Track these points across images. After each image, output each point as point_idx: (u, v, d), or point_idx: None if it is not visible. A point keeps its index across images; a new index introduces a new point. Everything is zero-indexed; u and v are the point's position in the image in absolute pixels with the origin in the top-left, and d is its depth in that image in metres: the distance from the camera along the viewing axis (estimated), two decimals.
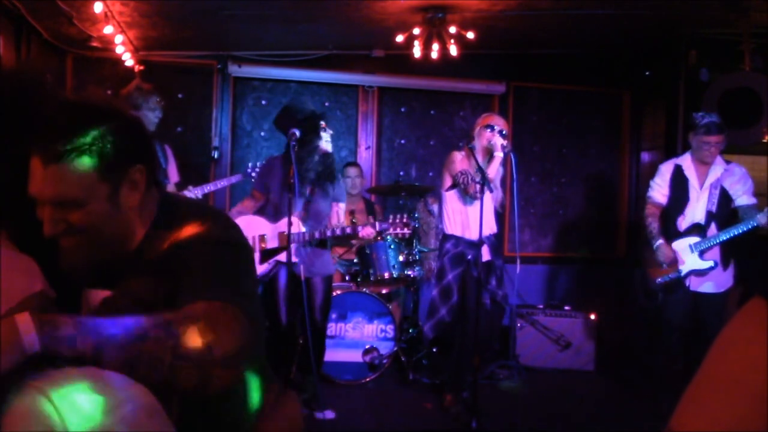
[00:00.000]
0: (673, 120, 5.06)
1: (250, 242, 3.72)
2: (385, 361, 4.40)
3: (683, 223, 3.84)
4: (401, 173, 5.63)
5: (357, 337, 4.42)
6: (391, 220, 3.62)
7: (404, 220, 3.61)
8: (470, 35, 4.32)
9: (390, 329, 4.44)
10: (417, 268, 4.62)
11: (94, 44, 4.48)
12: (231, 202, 5.35)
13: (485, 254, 3.83)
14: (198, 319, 1.08)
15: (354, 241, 4.66)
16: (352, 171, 4.99)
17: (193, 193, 4.22)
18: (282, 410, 1.26)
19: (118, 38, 4.29)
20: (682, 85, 4.87)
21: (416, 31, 4.35)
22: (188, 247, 1.22)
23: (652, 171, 4.16)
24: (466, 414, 3.65)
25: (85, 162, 1.14)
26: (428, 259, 5.04)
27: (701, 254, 3.75)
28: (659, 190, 3.97)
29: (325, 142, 3.68)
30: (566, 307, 5.07)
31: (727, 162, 3.85)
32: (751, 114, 4.09)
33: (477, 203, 3.60)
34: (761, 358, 0.66)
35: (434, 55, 4.60)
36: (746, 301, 0.71)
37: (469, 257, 3.77)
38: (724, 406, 0.67)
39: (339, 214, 3.81)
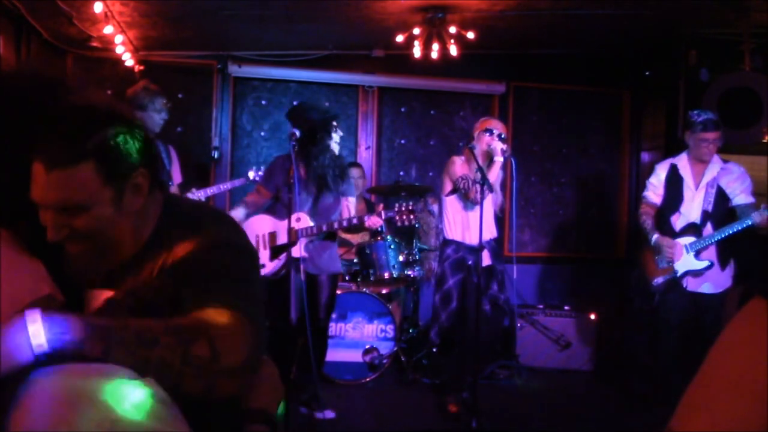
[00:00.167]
0: (673, 120, 5.05)
1: (261, 240, 3.74)
2: (385, 361, 4.40)
3: (678, 222, 3.83)
4: (401, 173, 5.63)
5: (357, 337, 4.42)
6: (396, 209, 3.61)
7: (409, 208, 3.60)
8: (470, 35, 4.32)
9: (390, 329, 4.44)
10: (417, 268, 4.62)
11: (94, 44, 4.48)
12: (231, 205, 5.35)
13: (486, 259, 3.83)
14: (208, 327, 1.09)
15: (355, 241, 4.67)
16: (355, 172, 4.97)
17: (196, 195, 4.23)
18: (262, 374, 1.26)
19: (118, 38, 4.29)
20: (682, 85, 4.87)
21: (416, 31, 4.35)
22: (195, 251, 1.22)
23: (651, 171, 4.15)
24: (466, 414, 3.65)
25: (89, 167, 1.13)
26: (428, 258, 5.04)
27: (697, 254, 3.73)
28: (654, 190, 3.96)
29: (334, 143, 3.69)
30: (566, 307, 5.08)
31: (725, 161, 3.83)
32: (751, 114, 4.09)
33: (477, 208, 3.60)
34: (762, 359, 0.66)
35: (434, 55, 4.60)
36: (746, 302, 0.71)
37: (470, 262, 3.77)
38: (725, 406, 0.67)
39: (349, 208, 3.81)
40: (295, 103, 5.37)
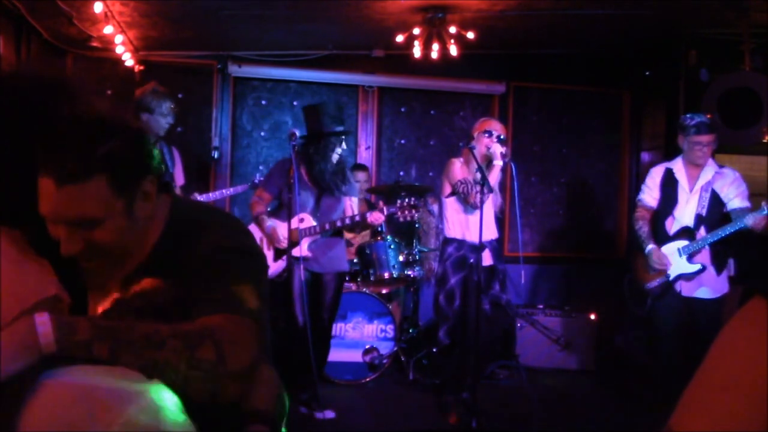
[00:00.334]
0: (673, 120, 5.04)
1: (265, 241, 3.74)
2: (385, 361, 4.40)
3: (672, 226, 3.80)
4: (401, 173, 5.63)
5: (357, 337, 4.42)
6: (398, 204, 3.60)
7: (411, 203, 3.59)
8: (470, 35, 4.32)
9: (390, 329, 4.44)
10: (417, 268, 4.62)
11: (94, 44, 4.48)
12: (231, 207, 5.36)
13: (487, 259, 3.83)
14: (215, 332, 1.09)
15: (355, 241, 4.67)
16: (360, 175, 4.95)
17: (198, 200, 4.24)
18: (261, 374, 1.26)
19: (118, 38, 4.29)
20: (682, 85, 4.87)
21: (416, 31, 4.34)
22: (202, 253, 1.22)
23: (647, 174, 4.13)
24: (466, 414, 3.65)
25: (102, 180, 1.12)
26: (428, 259, 5.04)
27: (689, 258, 3.70)
28: (649, 194, 3.94)
29: (336, 155, 3.68)
30: (566, 307, 5.08)
31: (720, 166, 3.81)
32: (751, 114, 4.08)
33: (477, 210, 3.60)
34: (761, 359, 0.66)
35: (434, 55, 4.60)
36: (746, 301, 0.71)
37: (471, 260, 3.77)
38: (724, 406, 0.67)
39: (352, 208, 3.81)
40: (295, 103, 5.38)
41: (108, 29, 4.05)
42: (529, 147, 5.74)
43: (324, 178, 3.65)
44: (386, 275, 4.40)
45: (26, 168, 1.12)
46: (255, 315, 1.17)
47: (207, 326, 1.10)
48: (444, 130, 5.68)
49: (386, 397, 4.20)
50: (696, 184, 3.77)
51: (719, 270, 3.73)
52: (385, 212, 3.60)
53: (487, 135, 3.74)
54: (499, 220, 4.21)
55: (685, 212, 3.77)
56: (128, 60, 4.70)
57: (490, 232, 3.89)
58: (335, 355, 4.25)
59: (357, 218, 3.63)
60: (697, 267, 3.69)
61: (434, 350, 4.62)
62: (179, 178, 4.27)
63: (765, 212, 3.43)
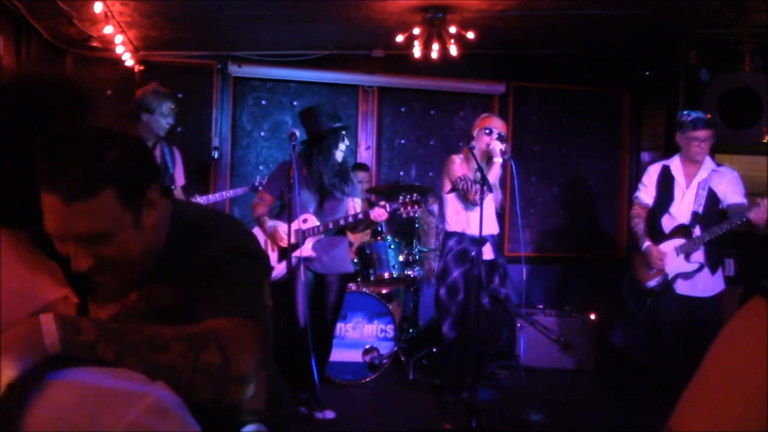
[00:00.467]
0: (673, 120, 5.03)
1: (269, 243, 3.74)
2: (385, 361, 4.40)
3: (668, 223, 3.79)
4: (401, 173, 5.63)
5: (357, 337, 4.42)
6: (401, 200, 3.60)
7: (414, 198, 3.58)
8: (470, 35, 4.32)
9: (390, 329, 4.44)
10: (417, 268, 4.62)
11: (94, 44, 4.48)
12: (231, 208, 5.36)
13: (488, 253, 3.83)
14: (219, 335, 1.10)
15: (355, 241, 4.67)
16: (362, 175, 4.96)
17: (199, 202, 4.23)
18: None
19: (118, 38, 4.29)
20: (682, 85, 4.86)
21: (416, 31, 4.35)
22: (206, 257, 1.22)
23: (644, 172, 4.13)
24: (466, 414, 3.65)
25: (109, 194, 1.11)
26: (428, 259, 5.04)
27: (687, 257, 3.70)
28: (645, 191, 3.94)
29: (339, 152, 3.69)
30: (566, 307, 5.08)
31: (718, 164, 3.80)
32: (751, 114, 4.07)
33: (477, 206, 3.60)
34: (761, 358, 0.66)
35: (434, 55, 4.60)
36: (746, 301, 0.71)
37: (473, 254, 3.75)
38: (724, 406, 0.67)
39: (355, 208, 3.81)
40: (295, 103, 5.38)
41: (108, 29, 4.05)
42: (529, 147, 5.74)
43: (327, 179, 3.64)
44: (386, 275, 4.40)
45: (30, 170, 1.11)
46: (258, 318, 1.17)
47: (212, 330, 1.11)
48: (444, 130, 5.68)
49: (386, 397, 4.20)
50: (693, 182, 3.75)
51: (713, 269, 3.71)
52: (388, 209, 3.58)
53: (486, 132, 3.73)
54: (500, 216, 4.19)
55: (682, 210, 3.76)
56: (128, 60, 4.70)
57: (491, 227, 3.89)
58: (335, 355, 4.25)
59: (360, 216, 3.62)
60: (695, 266, 3.68)
61: (434, 350, 4.63)
62: (180, 179, 4.27)
63: (764, 206, 3.40)
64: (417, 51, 4.60)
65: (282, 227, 3.67)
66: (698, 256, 3.70)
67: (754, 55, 4.20)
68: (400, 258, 4.52)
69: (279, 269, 3.70)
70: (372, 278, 4.41)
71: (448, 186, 3.87)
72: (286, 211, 3.73)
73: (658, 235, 3.81)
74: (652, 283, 3.79)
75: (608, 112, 5.88)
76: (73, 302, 1.17)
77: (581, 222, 5.86)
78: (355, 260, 4.63)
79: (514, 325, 4.95)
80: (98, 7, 3.73)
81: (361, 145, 5.54)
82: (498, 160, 3.66)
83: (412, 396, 4.21)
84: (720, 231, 3.57)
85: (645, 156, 5.71)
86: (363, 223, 3.72)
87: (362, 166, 5.15)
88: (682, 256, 3.70)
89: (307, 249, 3.66)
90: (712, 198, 3.72)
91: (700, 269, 3.68)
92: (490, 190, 3.62)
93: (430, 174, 5.60)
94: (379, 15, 4.28)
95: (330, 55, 5.28)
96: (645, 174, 4.00)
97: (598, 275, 5.62)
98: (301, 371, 3.59)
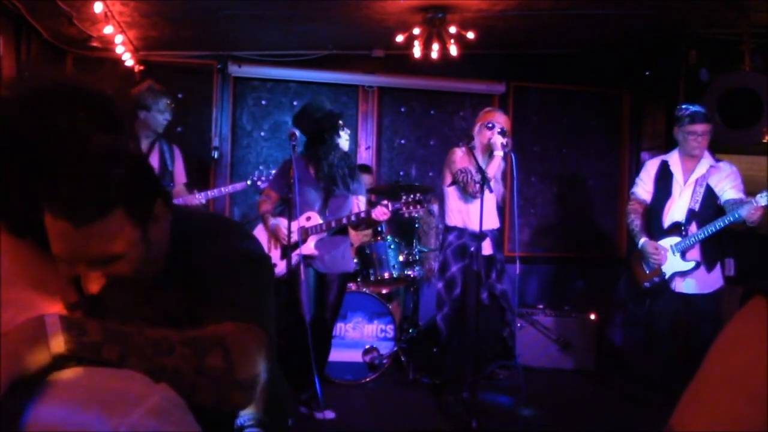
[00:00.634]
0: (673, 120, 5.05)
1: (272, 241, 3.74)
2: (385, 361, 4.40)
3: (665, 220, 3.77)
4: (401, 173, 5.63)
5: (357, 337, 4.42)
6: (403, 200, 3.59)
7: (417, 198, 3.57)
8: (470, 35, 4.32)
9: (390, 329, 4.44)
10: (417, 268, 4.62)
11: (94, 44, 4.48)
12: (231, 207, 5.36)
13: (487, 248, 3.83)
14: (224, 339, 1.09)
15: (356, 241, 4.67)
16: (366, 178, 4.95)
17: (197, 198, 4.23)
18: None
19: (118, 38, 4.29)
20: (682, 85, 4.86)
21: (416, 31, 4.35)
22: (211, 262, 1.22)
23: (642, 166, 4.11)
24: (466, 414, 3.65)
25: (119, 214, 1.10)
26: (428, 259, 5.04)
27: (683, 255, 3.67)
28: (643, 187, 3.90)
29: (344, 141, 3.70)
30: (566, 307, 5.08)
31: (717, 159, 3.75)
32: (751, 114, 4.07)
33: (478, 199, 3.60)
34: (762, 358, 0.66)
35: (434, 55, 4.60)
36: (747, 301, 0.71)
37: (472, 249, 3.76)
38: (725, 405, 0.67)
39: (359, 207, 3.81)
40: (295, 103, 5.38)
41: (108, 29, 4.05)
42: (529, 147, 5.74)
43: (332, 172, 3.64)
44: (386, 275, 4.40)
45: (32, 181, 1.10)
46: (263, 322, 1.17)
47: (216, 334, 1.10)
48: (444, 130, 5.68)
49: (386, 397, 4.20)
50: (690, 177, 3.72)
51: (710, 267, 3.68)
52: (390, 208, 3.57)
53: (489, 127, 3.74)
54: (501, 210, 4.18)
55: (678, 206, 3.73)
56: (128, 60, 4.70)
57: (492, 222, 3.89)
58: (335, 355, 4.25)
59: (362, 215, 3.62)
60: (691, 264, 3.66)
61: (434, 350, 4.63)
62: (180, 176, 4.26)
63: (758, 203, 3.38)
64: (417, 51, 4.60)
65: (284, 225, 3.67)
66: (694, 254, 3.68)
67: (754, 55, 4.20)
68: (400, 258, 4.52)
69: (280, 267, 3.70)
70: (372, 278, 4.41)
71: (449, 179, 3.87)
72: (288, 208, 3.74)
73: (655, 232, 3.79)
74: (648, 284, 3.77)
75: (608, 112, 5.88)
76: (83, 307, 1.17)
77: (581, 222, 5.86)
78: (355, 260, 4.64)
79: (513, 322, 4.95)
80: (98, 7, 3.73)
81: (361, 145, 5.54)
82: (499, 153, 3.66)
83: (412, 396, 4.21)
84: (714, 228, 3.54)
85: (645, 156, 5.71)
86: (365, 221, 3.72)
87: (365, 168, 5.15)
88: (678, 254, 3.68)
89: (309, 247, 3.66)
90: (710, 195, 3.68)
91: (696, 267, 3.66)
92: (491, 190, 3.62)
93: (430, 174, 5.60)
94: (379, 15, 4.28)
95: (330, 55, 5.28)
96: (643, 169, 3.97)
97: (598, 275, 5.62)
98: (301, 371, 3.59)
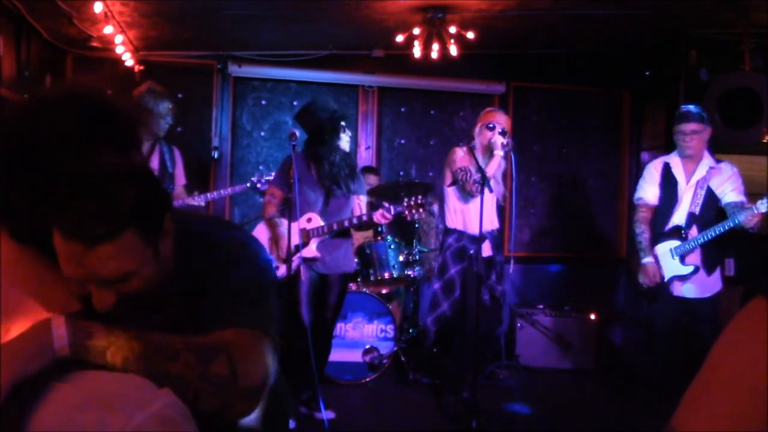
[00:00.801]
0: (673, 120, 5.05)
1: (273, 243, 3.73)
2: (385, 361, 4.40)
3: (669, 224, 3.72)
4: (401, 173, 5.63)
5: (357, 337, 4.42)
6: (405, 203, 3.59)
7: (418, 201, 3.56)
8: (470, 35, 4.32)
9: (390, 329, 4.44)
10: (417, 268, 4.62)
11: (94, 44, 4.48)
12: (231, 207, 5.36)
13: (487, 249, 3.83)
14: (228, 346, 1.09)
15: (356, 241, 4.67)
16: (372, 179, 4.94)
17: (197, 200, 4.23)
18: None
19: (118, 38, 4.29)
20: (682, 85, 4.86)
21: (416, 31, 4.35)
22: (216, 269, 1.22)
23: (643, 172, 4.06)
24: (466, 414, 3.65)
25: (131, 233, 1.08)
26: (428, 259, 5.04)
27: (682, 259, 3.63)
28: (649, 190, 3.80)
29: (345, 142, 3.70)
30: (566, 307, 5.08)
31: (718, 160, 3.70)
32: (751, 114, 4.06)
33: (477, 199, 3.60)
34: (762, 358, 0.66)
35: (434, 55, 4.60)
36: (747, 302, 0.71)
37: (471, 252, 3.76)
38: (726, 405, 0.67)
39: (361, 207, 3.81)
40: (295, 103, 5.38)
41: (108, 29, 4.05)
42: (529, 147, 5.74)
43: (333, 172, 3.63)
44: (386, 275, 4.40)
45: (41, 187, 1.09)
46: (267, 329, 1.17)
47: (221, 341, 1.10)
48: (444, 130, 5.69)
49: (386, 397, 4.20)
50: (691, 180, 3.68)
51: (710, 270, 3.64)
52: (393, 211, 3.57)
53: (489, 127, 3.74)
54: (501, 209, 4.17)
55: (679, 209, 3.69)
56: (128, 60, 4.70)
57: (491, 223, 3.89)
58: (335, 355, 4.25)
59: (364, 218, 3.61)
60: (690, 269, 3.62)
61: (434, 350, 4.63)
62: (180, 178, 4.26)
63: (757, 210, 3.37)
64: (417, 51, 4.60)
65: (290, 236, 3.65)
66: (693, 258, 3.64)
67: (754, 55, 4.20)
68: (400, 258, 4.52)
69: (282, 269, 3.70)
70: (372, 278, 4.41)
71: (449, 178, 3.87)
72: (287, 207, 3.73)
73: (655, 236, 3.76)
74: (645, 286, 3.75)
75: (608, 112, 5.88)
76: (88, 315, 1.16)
77: (581, 222, 5.86)
78: (356, 260, 4.64)
79: (514, 324, 4.96)
80: (98, 7, 3.73)
81: (361, 145, 5.54)
82: (499, 152, 3.66)
83: (412, 396, 4.21)
84: (713, 234, 3.50)
85: (645, 156, 5.71)
86: (366, 224, 3.72)
87: (372, 169, 5.15)
88: (677, 259, 3.64)
89: (311, 249, 3.65)
90: (710, 197, 3.64)
91: (695, 272, 3.62)
92: (491, 189, 3.62)
93: (430, 174, 5.60)
94: (379, 15, 4.28)
95: (330, 55, 5.28)
96: (645, 172, 3.88)
97: (598, 275, 5.63)
98: (301, 371, 3.60)
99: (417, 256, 4.66)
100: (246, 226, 4.49)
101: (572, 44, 5.24)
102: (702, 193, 3.64)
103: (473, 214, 3.74)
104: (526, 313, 4.97)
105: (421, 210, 3.55)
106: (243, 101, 5.42)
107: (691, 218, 3.65)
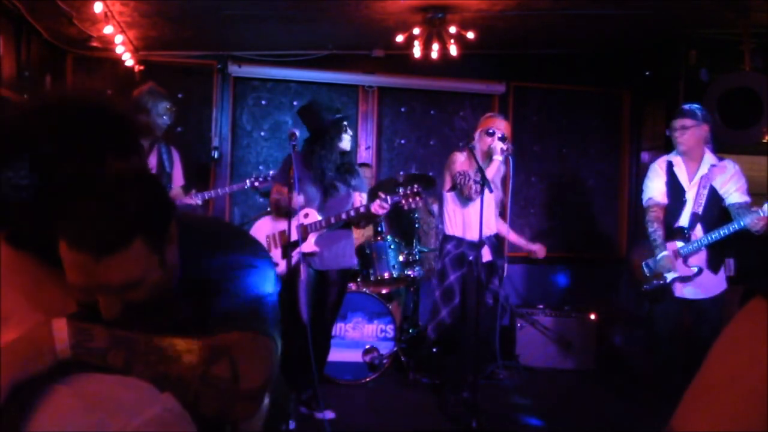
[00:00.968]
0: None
1: (272, 240, 3.74)
2: (385, 361, 4.40)
3: (674, 224, 3.69)
4: (401, 173, 5.63)
5: (357, 337, 4.42)
6: (402, 192, 3.58)
7: (414, 190, 3.56)
8: (470, 35, 4.32)
9: (390, 329, 4.44)
10: (417, 268, 4.62)
11: (94, 44, 4.48)
12: (231, 207, 5.36)
13: (486, 255, 3.83)
14: (230, 349, 1.09)
15: (356, 240, 4.66)
16: (366, 172, 4.94)
17: (194, 199, 4.23)
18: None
19: (118, 38, 4.29)
20: (682, 85, 4.86)
21: (416, 31, 4.35)
22: (218, 271, 1.22)
23: (648, 172, 4.05)
24: (466, 414, 3.65)
25: (139, 243, 1.07)
26: (428, 259, 5.04)
27: (685, 260, 3.60)
28: (658, 189, 3.74)
29: (346, 142, 3.71)
30: (566, 307, 5.08)
31: (720, 158, 3.67)
32: (751, 114, 4.06)
33: (477, 204, 3.59)
34: (762, 358, 0.66)
35: (434, 55, 4.60)
36: (747, 302, 0.71)
37: (471, 258, 3.77)
38: (725, 405, 0.67)
39: (361, 203, 3.80)
40: (295, 103, 5.38)
41: (108, 29, 4.06)
42: (529, 147, 5.74)
43: (332, 173, 3.64)
44: (386, 275, 4.40)
45: (42, 194, 1.08)
46: (270, 331, 1.17)
47: (223, 343, 1.10)
48: (444, 130, 5.69)
49: (386, 397, 4.20)
50: (694, 179, 3.65)
51: (715, 270, 3.62)
52: (390, 201, 3.56)
53: (489, 133, 3.74)
54: (501, 216, 4.17)
55: (686, 209, 3.66)
56: (128, 60, 4.70)
57: (490, 228, 3.89)
58: (335, 355, 4.25)
59: (362, 209, 3.61)
60: (694, 270, 3.59)
61: (434, 350, 4.63)
62: (178, 179, 4.26)
63: (764, 213, 3.34)
64: (417, 51, 4.61)
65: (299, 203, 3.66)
66: (696, 259, 3.61)
67: (754, 55, 4.20)
68: (400, 258, 4.52)
69: (282, 266, 3.70)
70: (372, 278, 4.41)
71: (449, 183, 3.87)
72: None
73: (666, 236, 3.71)
74: (648, 287, 3.73)
75: (608, 112, 5.88)
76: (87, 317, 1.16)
77: (581, 222, 5.86)
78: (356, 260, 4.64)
79: (514, 324, 4.96)
80: (98, 7, 3.73)
81: (361, 145, 5.54)
82: (498, 158, 3.67)
83: (412, 396, 4.21)
84: (717, 236, 3.48)
85: (645, 156, 5.71)
86: (364, 217, 3.71)
87: (365, 164, 5.16)
88: (680, 259, 3.62)
89: (310, 244, 3.66)
90: (713, 196, 3.60)
91: (699, 273, 3.59)
92: (491, 189, 3.62)
93: (430, 174, 5.59)
94: (379, 15, 4.28)
95: (330, 55, 5.28)
96: (651, 172, 3.81)
97: (598, 275, 5.62)
98: (301, 371, 3.60)
99: (417, 256, 4.65)
100: (246, 226, 4.48)
101: (572, 44, 5.24)
102: (705, 192, 3.61)
103: (473, 219, 3.74)
104: (526, 313, 4.97)
105: (417, 198, 3.53)
106: (243, 101, 5.42)
107: (695, 218, 3.62)
